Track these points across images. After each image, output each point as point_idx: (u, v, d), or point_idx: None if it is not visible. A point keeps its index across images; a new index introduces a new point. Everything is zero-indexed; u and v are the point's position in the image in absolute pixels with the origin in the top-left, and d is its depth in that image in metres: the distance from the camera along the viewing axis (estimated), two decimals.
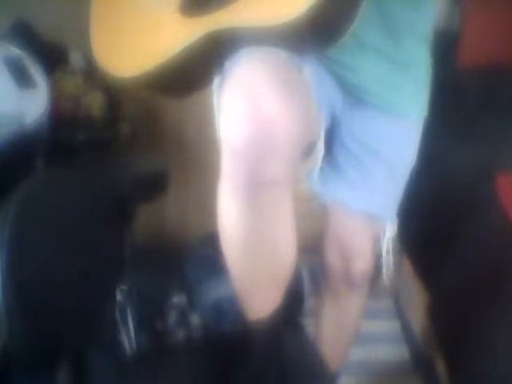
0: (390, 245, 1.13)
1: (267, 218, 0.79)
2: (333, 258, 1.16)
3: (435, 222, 1.45)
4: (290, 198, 0.81)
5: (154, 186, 1.63)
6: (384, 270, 1.15)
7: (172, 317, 1.38)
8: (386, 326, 1.84)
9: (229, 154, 0.74)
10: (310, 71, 0.90)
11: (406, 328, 1.82)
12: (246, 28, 0.79)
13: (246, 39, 0.81)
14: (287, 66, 0.81)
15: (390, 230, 1.12)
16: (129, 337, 1.24)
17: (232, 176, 0.75)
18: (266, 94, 0.72)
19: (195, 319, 1.37)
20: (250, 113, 0.71)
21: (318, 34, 0.81)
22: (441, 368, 1.44)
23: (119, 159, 1.63)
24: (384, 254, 1.13)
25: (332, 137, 1.06)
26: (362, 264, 1.14)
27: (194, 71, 0.91)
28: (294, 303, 1.40)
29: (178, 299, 1.42)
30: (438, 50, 1.06)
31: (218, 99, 0.94)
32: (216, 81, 0.95)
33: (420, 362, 1.67)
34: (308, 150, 0.95)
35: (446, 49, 1.10)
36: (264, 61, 0.78)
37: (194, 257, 1.58)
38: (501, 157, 1.38)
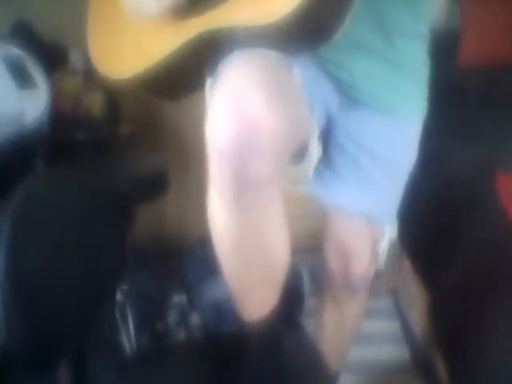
0: (390, 246, 1.12)
1: (256, 218, 0.79)
2: (333, 261, 1.15)
3: (435, 222, 1.45)
4: (278, 198, 0.81)
5: (154, 185, 1.63)
6: (383, 271, 1.15)
7: (172, 317, 1.38)
8: (386, 326, 1.84)
9: (215, 155, 0.74)
10: (300, 72, 0.90)
11: (406, 328, 1.82)
12: (235, 28, 0.79)
13: (236, 39, 0.81)
14: (276, 68, 0.81)
15: (389, 231, 1.11)
16: (129, 337, 1.24)
17: (219, 177, 0.75)
18: (251, 95, 0.72)
19: (195, 319, 1.37)
20: (235, 113, 0.71)
21: (308, 34, 0.81)
22: (441, 368, 1.44)
23: (119, 159, 1.63)
24: (383, 255, 1.13)
25: (328, 138, 1.05)
26: (361, 266, 1.13)
27: (186, 72, 0.91)
28: (294, 303, 1.40)
29: (178, 299, 1.42)
30: (438, 50, 1.06)
31: (210, 101, 0.94)
32: (208, 82, 0.95)
33: (420, 362, 1.67)
34: (301, 151, 0.95)
35: (446, 48, 1.10)
36: (252, 62, 0.78)
37: (193, 257, 1.58)
38: (501, 157, 1.38)
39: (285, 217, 0.83)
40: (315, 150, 0.98)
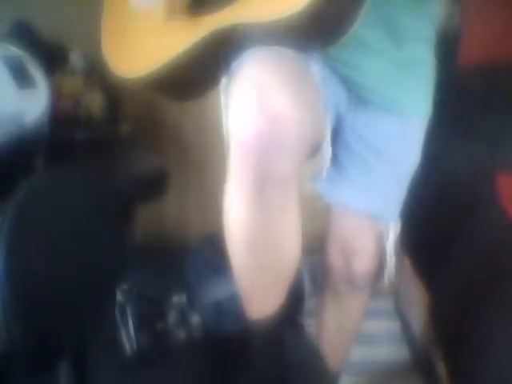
0: (393, 245, 1.13)
1: (273, 215, 0.79)
2: (335, 258, 1.16)
3: (435, 222, 1.45)
4: (296, 197, 0.81)
5: (154, 185, 1.63)
6: (386, 270, 1.15)
7: (172, 317, 1.37)
8: (386, 326, 1.84)
9: (237, 151, 0.74)
10: (317, 70, 0.90)
11: (406, 328, 1.82)
12: (248, 24, 0.80)
13: (249, 37, 0.81)
14: (295, 65, 0.82)
15: (392, 230, 1.12)
16: (129, 337, 1.24)
17: (239, 172, 0.75)
18: (275, 91, 0.72)
19: (195, 319, 1.37)
20: (259, 109, 0.71)
21: (319, 31, 0.82)
22: (441, 368, 1.44)
23: (119, 159, 1.63)
24: (387, 254, 1.13)
25: (336, 136, 1.06)
26: (363, 264, 1.13)
27: (200, 71, 0.92)
28: (294, 303, 1.40)
29: (177, 299, 1.41)
30: (438, 50, 1.06)
31: (225, 99, 0.94)
32: (223, 81, 0.95)
33: (420, 362, 1.67)
34: (314, 150, 0.95)
35: (446, 49, 1.10)
36: (271, 59, 0.78)
37: (194, 257, 1.58)
38: (501, 157, 1.38)
39: (299, 217, 0.83)
40: (328, 148, 0.98)
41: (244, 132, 0.72)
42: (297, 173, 0.78)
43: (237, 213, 0.80)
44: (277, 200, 0.77)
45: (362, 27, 0.81)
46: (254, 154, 0.72)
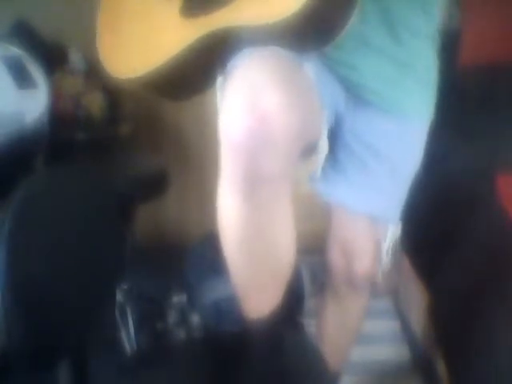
0: (393, 246, 1.12)
1: (265, 214, 0.79)
2: (335, 259, 1.16)
3: (435, 222, 1.45)
4: (288, 196, 0.81)
5: (154, 185, 1.63)
6: (382, 270, 1.15)
7: (172, 317, 1.37)
8: (386, 326, 1.84)
9: (227, 149, 0.75)
10: (312, 70, 0.90)
11: (406, 328, 1.82)
12: (243, 27, 0.80)
13: (244, 38, 0.82)
14: (289, 65, 0.82)
15: (393, 231, 1.11)
16: (129, 337, 1.24)
17: (230, 171, 0.76)
18: (266, 90, 0.72)
19: (195, 319, 1.37)
20: (249, 108, 0.72)
21: (314, 31, 0.82)
22: (441, 368, 1.44)
23: (119, 159, 1.63)
24: (386, 254, 1.13)
25: (335, 136, 1.05)
26: (364, 265, 1.13)
27: (195, 71, 0.92)
28: (294, 303, 1.40)
29: (177, 299, 1.41)
30: (437, 51, 1.06)
31: (221, 98, 0.95)
32: (219, 80, 0.96)
33: (420, 362, 1.67)
34: (310, 150, 0.95)
35: (446, 49, 1.10)
36: (265, 59, 0.79)
37: (194, 257, 1.58)
38: (501, 157, 1.38)
39: (292, 215, 0.83)
40: (324, 148, 0.98)
41: (234, 131, 0.73)
42: (288, 172, 0.78)
43: (229, 211, 0.80)
44: (268, 198, 0.77)
45: (360, 25, 0.81)
46: (244, 153, 0.73)
